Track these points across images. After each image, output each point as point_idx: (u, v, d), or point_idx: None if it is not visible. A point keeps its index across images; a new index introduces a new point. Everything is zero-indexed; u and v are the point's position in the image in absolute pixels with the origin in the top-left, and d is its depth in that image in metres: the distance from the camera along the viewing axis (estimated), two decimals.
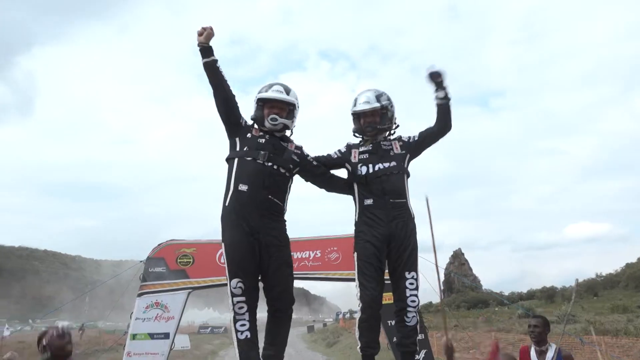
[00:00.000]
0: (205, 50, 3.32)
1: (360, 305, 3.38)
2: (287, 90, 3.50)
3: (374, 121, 3.60)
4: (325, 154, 3.74)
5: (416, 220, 3.55)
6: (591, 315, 27.66)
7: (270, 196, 3.31)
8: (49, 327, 3.42)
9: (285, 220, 3.46)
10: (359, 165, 3.57)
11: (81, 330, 36.22)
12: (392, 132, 3.71)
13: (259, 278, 3.31)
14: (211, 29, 3.30)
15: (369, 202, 3.48)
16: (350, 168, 3.63)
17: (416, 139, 3.65)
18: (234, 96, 3.43)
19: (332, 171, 3.75)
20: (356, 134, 3.71)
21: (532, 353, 4.27)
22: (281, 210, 3.42)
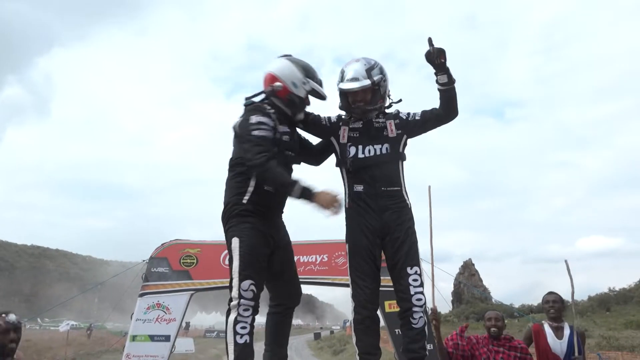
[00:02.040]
0: (309, 197, 2.88)
1: (353, 305, 3.10)
2: None
3: (364, 100, 3.14)
4: (316, 114, 3.37)
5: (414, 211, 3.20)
6: (604, 330, 27.04)
7: (287, 195, 3.15)
8: None
9: None
10: (348, 145, 3.17)
11: (89, 331, 36.50)
12: (385, 108, 3.28)
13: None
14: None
15: (359, 188, 3.14)
16: (338, 147, 3.26)
17: (417, 118, 3.19)
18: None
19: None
20: (342, 111, 3.29)
21: (547, 330, 4.16)
22: None
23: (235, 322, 2.89)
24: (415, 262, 3.07)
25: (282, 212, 3.27)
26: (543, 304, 4.28)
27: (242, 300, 2.90)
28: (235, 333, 2.88)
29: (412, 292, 3.00)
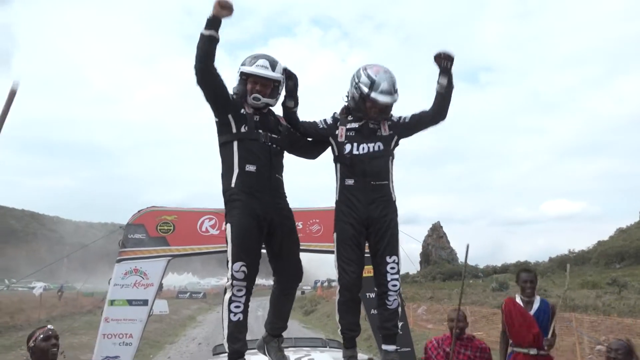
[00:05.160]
0: (217, 23, 3.04)
1: (339, 288, 3.40)
2: (273, 65, 3.26)
3: (385, 111, 3.40)
4: (311, 120, 3.56)
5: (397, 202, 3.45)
6: (561, 290, 28.44)
7: (277, 175, 3.35)
8: (37, 329, 3.49)
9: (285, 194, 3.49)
10: (345, 143, 3.42)
11: (60, 292, 36.35)
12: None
13: (269, 258, 3.40)
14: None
15: (350, 182, 3.38)
16: (335, 145, 3.48)
17: (407, 120, 3.48)
18: (219, 75, 3.18)
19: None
20: (353, 113, 3.46)
21: (519, 303, 4.49)
22: (283, 186, 3.44)
23: (230, 301, 3.13)
24: (395, 251, 3.35)
25: (279, 194, 3.37)
26: (521, 282, 4.50)
27: (234, 281, 3.11)
28: (230, 311, 3.13)
29: (388, 279, 3.32)
